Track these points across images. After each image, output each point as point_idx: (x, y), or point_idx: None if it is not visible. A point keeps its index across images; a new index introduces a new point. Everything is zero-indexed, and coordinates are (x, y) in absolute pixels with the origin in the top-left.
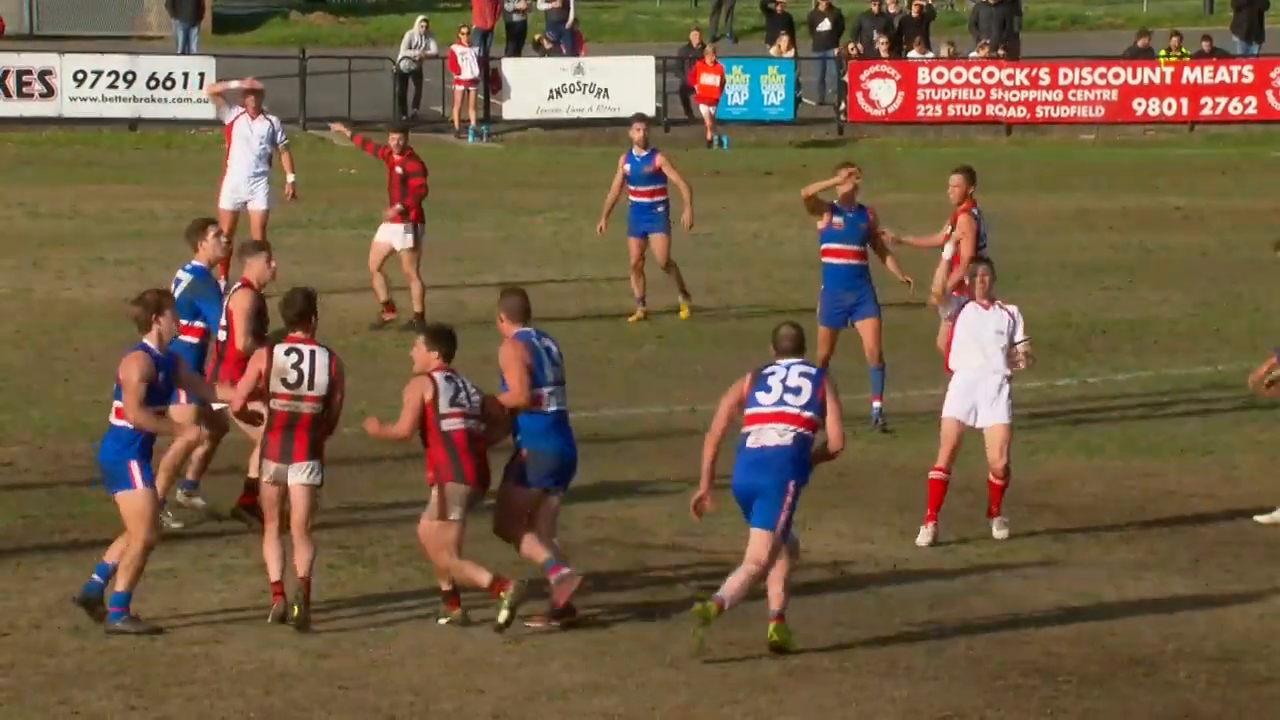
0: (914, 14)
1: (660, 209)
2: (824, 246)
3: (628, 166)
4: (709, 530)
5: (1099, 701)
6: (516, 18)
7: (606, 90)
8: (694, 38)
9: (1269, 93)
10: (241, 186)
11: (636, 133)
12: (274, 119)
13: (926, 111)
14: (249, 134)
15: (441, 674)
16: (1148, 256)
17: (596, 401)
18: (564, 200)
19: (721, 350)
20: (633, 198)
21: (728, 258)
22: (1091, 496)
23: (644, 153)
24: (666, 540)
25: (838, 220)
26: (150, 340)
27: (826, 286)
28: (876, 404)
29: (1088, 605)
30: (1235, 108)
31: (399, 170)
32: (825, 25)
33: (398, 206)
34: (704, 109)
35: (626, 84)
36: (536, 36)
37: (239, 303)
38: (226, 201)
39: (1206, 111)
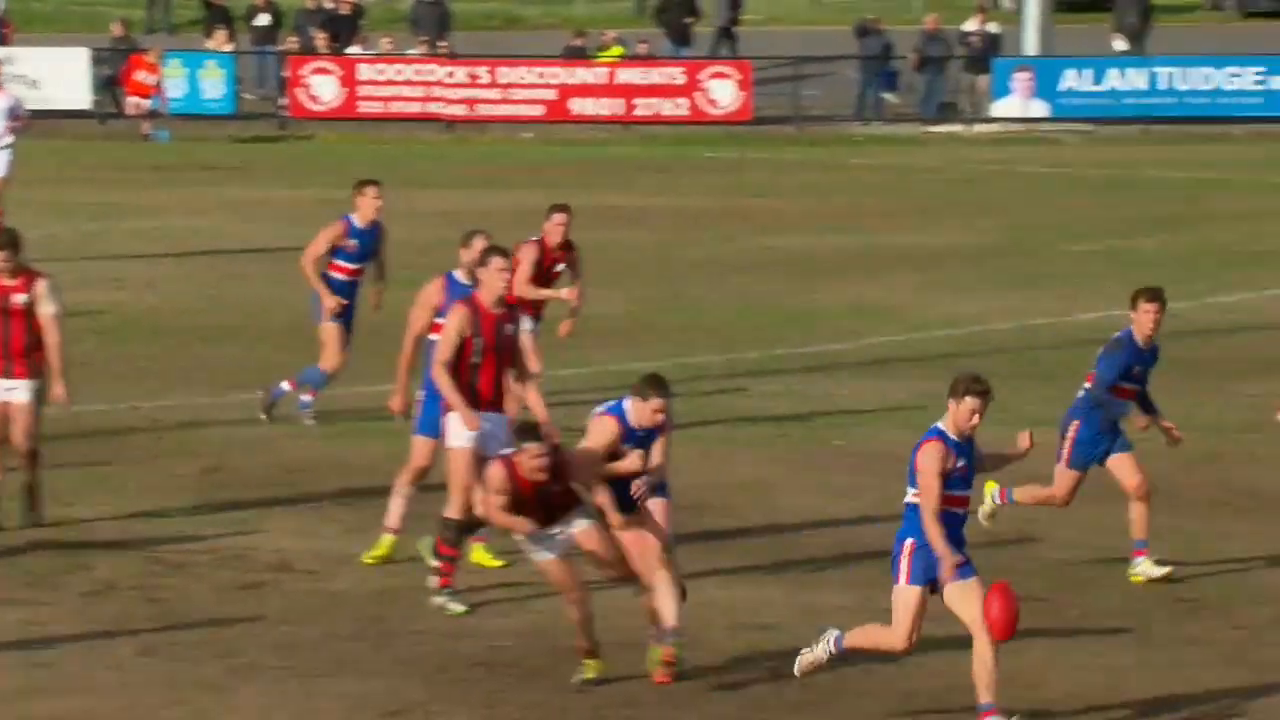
0: (345, 11)
1: None
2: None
3: None
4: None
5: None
6: None
7: (37, 82)
8: (115, 29)
9: (698, 94)
10: None
11: None
12: None
13: (368, 107)
14: None
15: None
16: (589, 254)
17: None
18: None
19: (158, 345)
20: None
21: (169, 252)
22: None
23: None
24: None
25: (351, 242)
26: None
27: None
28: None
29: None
30: (668, 109)
31: None
32: (264, 19)
33: None
34: (138, 102)
35: (59, 76)
36: None
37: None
38: None
39: (640, 111)
